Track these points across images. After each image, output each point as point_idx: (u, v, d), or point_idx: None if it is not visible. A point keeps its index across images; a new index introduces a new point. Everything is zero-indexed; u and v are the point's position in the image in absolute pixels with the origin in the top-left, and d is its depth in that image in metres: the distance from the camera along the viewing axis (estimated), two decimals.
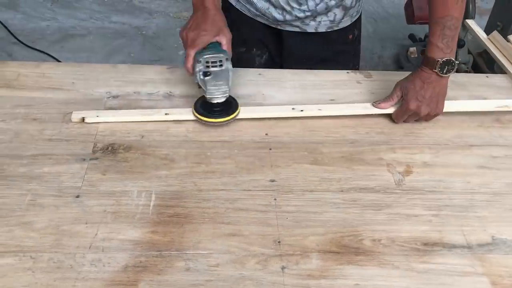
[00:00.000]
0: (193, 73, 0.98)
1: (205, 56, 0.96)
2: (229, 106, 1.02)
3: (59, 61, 2.66)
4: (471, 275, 0.78)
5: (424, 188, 0.92)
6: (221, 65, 0.97)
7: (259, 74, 1.17)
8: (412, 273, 0.77)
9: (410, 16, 2.39)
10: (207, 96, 0.99)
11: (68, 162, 0.91)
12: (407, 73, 1.05)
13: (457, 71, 2.68)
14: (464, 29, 2.27)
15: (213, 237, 0.80)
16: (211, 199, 0.86)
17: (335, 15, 1.18)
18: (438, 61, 0.96)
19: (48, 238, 0.78)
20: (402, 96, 1.03)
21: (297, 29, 1.20)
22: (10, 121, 0.99)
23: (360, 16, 1.27)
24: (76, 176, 0.88)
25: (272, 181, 0.90)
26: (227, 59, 0.97)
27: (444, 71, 0.97)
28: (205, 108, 1.01)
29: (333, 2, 1.13)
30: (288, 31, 1.21)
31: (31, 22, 3.02)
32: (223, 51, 0.98)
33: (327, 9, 1.16)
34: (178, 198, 0.86)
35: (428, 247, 0.81)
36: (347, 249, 0.80)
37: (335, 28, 1.21)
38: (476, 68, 2.46)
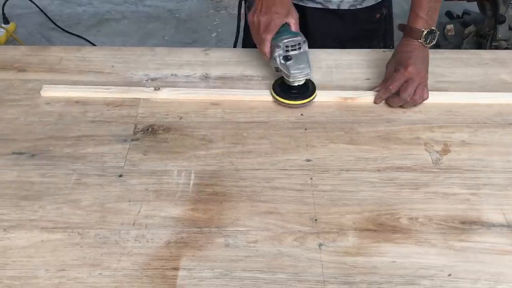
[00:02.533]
0: (270, 57, 1.01)
1: (284, 41, 0.98)
2: (306, 88, 1.03)
3: (94, 45, 2.72)
4: (511, 254, 0.77)
5: (462, 167, 0.91)
6: (299, 48, 0.99)
7: None
8: (450, 251, 0.77)
9: None
10: (290, 80, 1.00)
11: (111, 143, 0.94)
12: (442, 50, 1.02)
13: (497, 48, 2.58)
14: (505, 4, 2.19)
15: (251, 215, 0.82)
16: (248, 178, 0.88)
17: None
18: (423, 31, 1.00)
19: (94, 215, 0.81)
20: (395, 70, 1.01)
21: (319, 6, 1.19)
22: (55, 104, 1.03)
23: None
24: (119, 156, 0.91)
25: (308, 160, 0.91)
26: (304, 41, 1.00)
27: (428, 41, 1.01)
28: (284, 90, 1.03)
29: None
30: (310, 7, 1.19)
31: (67, 8, 3.08)
32: (298, 34, 1.00)
33: None
34: (216, 177, 0.88)
35: (466, 225, 0.81)
36: (384, 227, 0.80)
37: (358, 7, 1.19)
38: None
